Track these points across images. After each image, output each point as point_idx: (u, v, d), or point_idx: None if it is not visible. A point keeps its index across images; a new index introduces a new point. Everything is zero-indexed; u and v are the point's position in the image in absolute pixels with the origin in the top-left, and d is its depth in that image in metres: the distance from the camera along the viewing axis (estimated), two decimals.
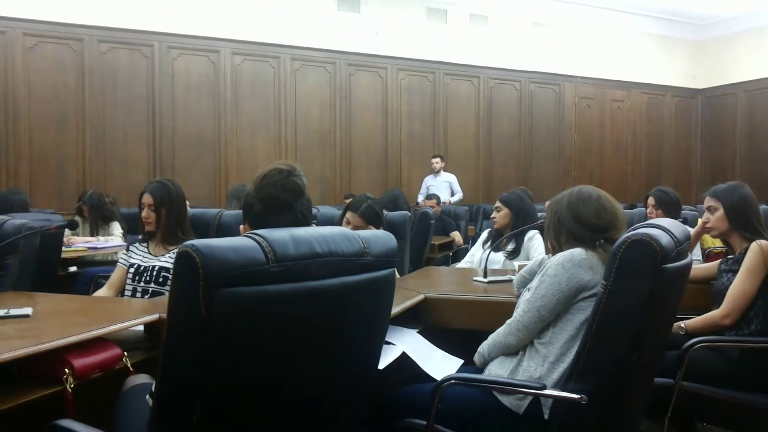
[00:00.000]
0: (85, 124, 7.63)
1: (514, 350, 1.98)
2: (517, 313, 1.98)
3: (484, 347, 2.08)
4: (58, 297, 2.57)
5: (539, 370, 1.87)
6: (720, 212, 2.67)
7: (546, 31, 10.36)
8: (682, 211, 4.20)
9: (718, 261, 2.78)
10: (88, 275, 4.32)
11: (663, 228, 1.69)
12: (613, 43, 10.88)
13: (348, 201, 3.84)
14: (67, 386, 1.65)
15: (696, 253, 3.74)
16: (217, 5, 8.25)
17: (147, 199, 2.94)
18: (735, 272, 2.53)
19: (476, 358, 2.11)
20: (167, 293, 2.79)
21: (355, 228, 2.85)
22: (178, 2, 8.04)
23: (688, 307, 2.48)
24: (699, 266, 2.90)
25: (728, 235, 2.68)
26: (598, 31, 10.72)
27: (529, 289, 2.01)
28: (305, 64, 8.79)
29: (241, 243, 1.15)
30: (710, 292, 2.69)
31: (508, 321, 2.00)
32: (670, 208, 3.85)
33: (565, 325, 1.89)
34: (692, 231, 2.99)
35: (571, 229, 2.00)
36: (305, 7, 8.74)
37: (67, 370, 1.67)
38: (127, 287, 2.93)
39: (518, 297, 2.17)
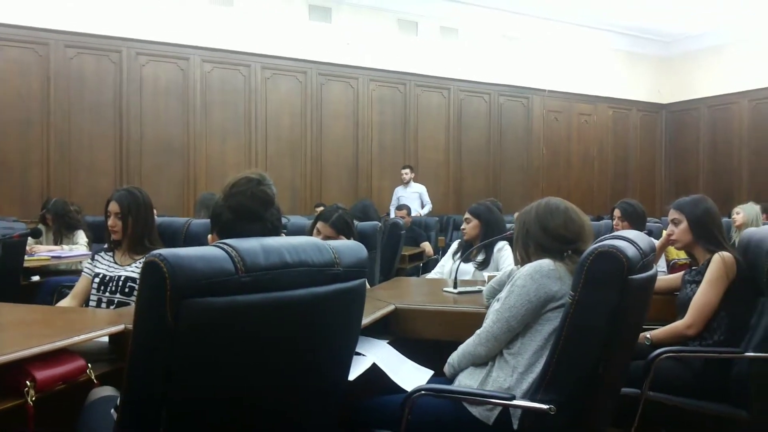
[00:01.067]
0: (49, 129, 7.48)
1: (483, 360, 1.99)
2: (487, 323, 1.99)
3: (453, 358, 2.08)
4: (20, 307, 2.51)
5: (508, 381, 1.88)
6: (684, 225, 2.72)
7: (515, 45, 10.50)
8: (647, 223, 4.28)
9: (682, 272, 2.83)
10: (51, 285, 4.22)
11: (629, 240, 1.72)
12: (581, 57, 11.08)
13: (319, 210, 3.83)
14: (29, 399, 1.60)
15: (661, 265, 3.81)
16: (187, 12, 8.18)
17: (113, 207, 2.89)
18: (698, 283, 2.57)
19: (446, 368, 2.11)
20: (133, 304, 2.75)
21: (326, 238, 2.84)
22: (147, 9, 7.95)
23: (653, 318, 2.52)
24: (664, 277, 2.95)
25: (692, 247, 2.74)
26: (566, 45, 10.90)
27: (498, 300, 2.02)
28: (276, 73, 8.76)
29: (210, 252, 1.14)
30: (675, 303, 2.74)
31: (478, 331, 2.01)
32: (636, 220, 3.91)
33: (534, 335, 1.91)
34: (657, 243, 3.05)
35: (540, 240, 2.03)
36: (276, 16, 8.72)
37: (28, 383, 1.62)
38: (92, 297, 2.87)
39: (488, 308, 2.18)
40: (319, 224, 3.02)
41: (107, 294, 2.83)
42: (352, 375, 1.78)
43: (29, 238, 4.09)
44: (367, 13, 9.34)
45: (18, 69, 7.34)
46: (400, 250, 5.06)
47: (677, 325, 2.55)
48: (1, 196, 7.21)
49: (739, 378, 2.36)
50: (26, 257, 4.10)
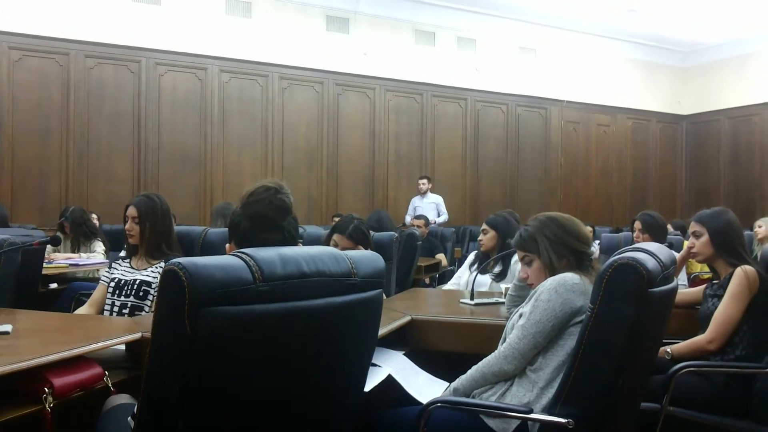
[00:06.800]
0: (68, 138, 7.57)
1: (510, 377, 1.93)
2: (512, 340, 1.92)
3: (464, 384, 1.97)
4: (39, 314, 2.53)
5: (528, 396, 1.85)
6: (705, 237, 2.68)
7: (533, 56, 10.48)
8: (668, 236, 4.23)
9: (704, 286, 2.79)
10: (69, 292, 4.26)
11: (649, 252, 1.69)
12: (599, 68, 11.03)
13: (336, 221, 3.82)
14: (46, 405, 1.61)
15: (682, 278, 3.77)
16: (205, 23, 8.26)
17: (131, 211, 2.94)
18: (720, 297, 2.54)
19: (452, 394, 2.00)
20: (147, 308, 2.77)
21: (344, 249, 2.83)
22: (167, 20, 8.04)
23: (674, 332, 2.48)
24: (685, 291, 2.91)
25: (713, 260, 2.70)
26: (584, 56, 10.86)
27: (521, 315, 1.97)
28: (293, 83, 8.81)
29: (228, 262, 1.14)
30: (696, 317, 2.70)
31: (500, 349, 1.95)
32: (657, 232, 3.87)
33: (557, 350, 1.87)
34: (678, 256, 3.01)
35: (577, 247, 2.01)
36: (294, 27, 8.78)
37: (46, 389, 1.63)
38: (107, 302, 2.89)
39: (507, 318, 2.14)
40: (335, 236, 3.02)
41: (121, 297, 2.84)
42: (368, 386, 1.77)
43: (48, 245, 4.12)
44: (385, 24, 9.38)
45: (39, 79, 7.45)
46: (416, 260, 5.04)
47: (698, 339, 2.51)
48: (20, 204, 7.30)
49: (762, 394, 2.32)
50: (45, 265, 4.13)
